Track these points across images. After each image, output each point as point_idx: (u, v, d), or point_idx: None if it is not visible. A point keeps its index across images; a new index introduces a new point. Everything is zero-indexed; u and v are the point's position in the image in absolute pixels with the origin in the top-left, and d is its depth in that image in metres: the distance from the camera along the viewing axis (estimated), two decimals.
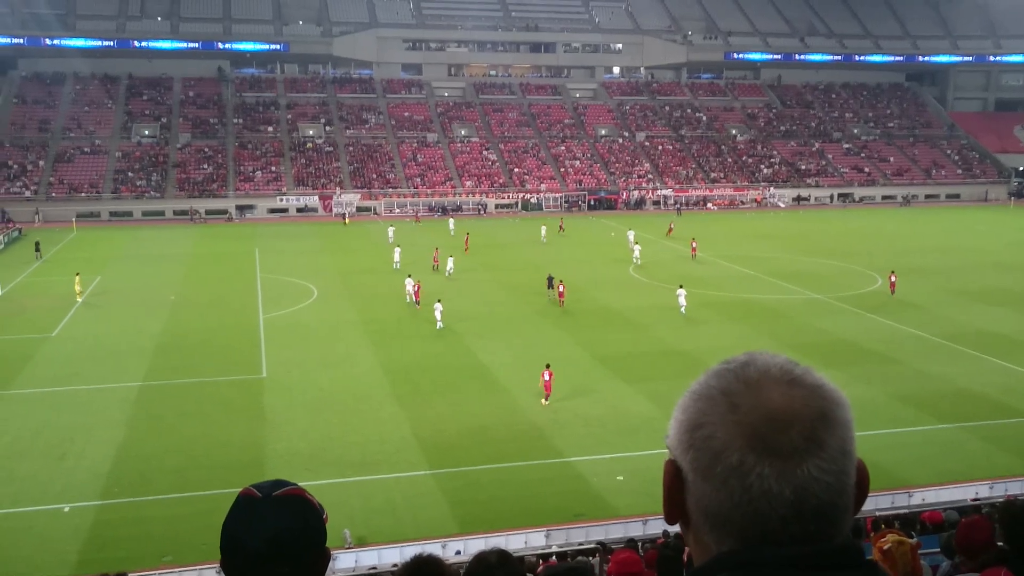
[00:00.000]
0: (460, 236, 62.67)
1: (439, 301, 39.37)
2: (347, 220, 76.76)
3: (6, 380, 31.83)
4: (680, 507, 1.57)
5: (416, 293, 42.98)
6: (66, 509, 21.86)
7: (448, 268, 50.77)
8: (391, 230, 64.96)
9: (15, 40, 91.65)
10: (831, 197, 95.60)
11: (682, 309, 41.28)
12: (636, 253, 55.48)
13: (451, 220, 71.66)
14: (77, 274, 45.85)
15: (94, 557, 19.37)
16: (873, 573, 1.51)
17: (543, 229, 66.86)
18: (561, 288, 43.53)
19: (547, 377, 29.17)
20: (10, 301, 45.01)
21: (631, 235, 61.02)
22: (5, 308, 43.48)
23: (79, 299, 44.23)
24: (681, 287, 42.41)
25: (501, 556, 3.68)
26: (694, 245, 58.39)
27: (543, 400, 29.20)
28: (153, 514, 21.82)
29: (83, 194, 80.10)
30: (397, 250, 54.29)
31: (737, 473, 1.46)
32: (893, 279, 46.07)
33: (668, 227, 68.75)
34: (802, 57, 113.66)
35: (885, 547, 4.71)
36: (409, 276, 45.24)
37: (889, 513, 17.92)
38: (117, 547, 20.11)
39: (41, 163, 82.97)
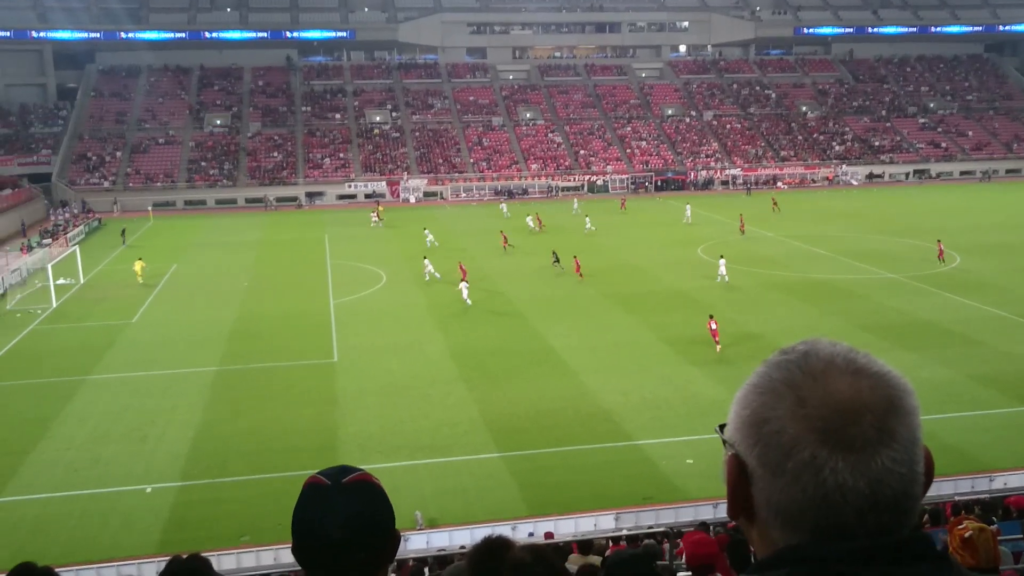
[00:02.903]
0: (512, 219, 65.37)
1: (464, 282, 41.04)
2: (380, 205, 76.53)
3: (90, 365, 32.96)
4: (745, 502, 1.54)
5: (463, 274, 43.00)
6: (148, 490, 22.58)
7: (531, 226, 60.00)
8: (374, 215, 67.82)
9: (92, 35, 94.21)
10: (906, 174, 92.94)
11: (723, 278, 42.99)
12: (588, 224, 60.22)
13: (504, 205, 72.79)
14: (139, 259, 48.11)
15: (175, 537, 19.98)
16: (944, 564, 1.47)
17: (575, 202, 72.73)
18: (577, 261, 45.37)
19: (714, 327, 32.43)
20: (93, 288, 46.53)
21: (688, 209, 64.85)
22: (89, 295, 45.00)
23: (140, 280, 46.54)
24: (722, 257, 44.21)
25: (535, 552, 3.43)
26: (742, 221, 59.00)
27: (717, 348, 32.10)
28: (230, 495, 22.41)
29: (159, 184, 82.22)
30: (428, 233, 56.41)
31: (810, 468, 1.43)
32: (941, 246, 47.73)
33: (772, 203, 69.52)
34: (875, 30, 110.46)
35: (966, 534, 4.61)
36: (425, 257, 47.16)
37: (969, 498, 17.45)
38: (197, 527, 20.73)
39: (118, 154, 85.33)
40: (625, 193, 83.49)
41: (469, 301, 40.17)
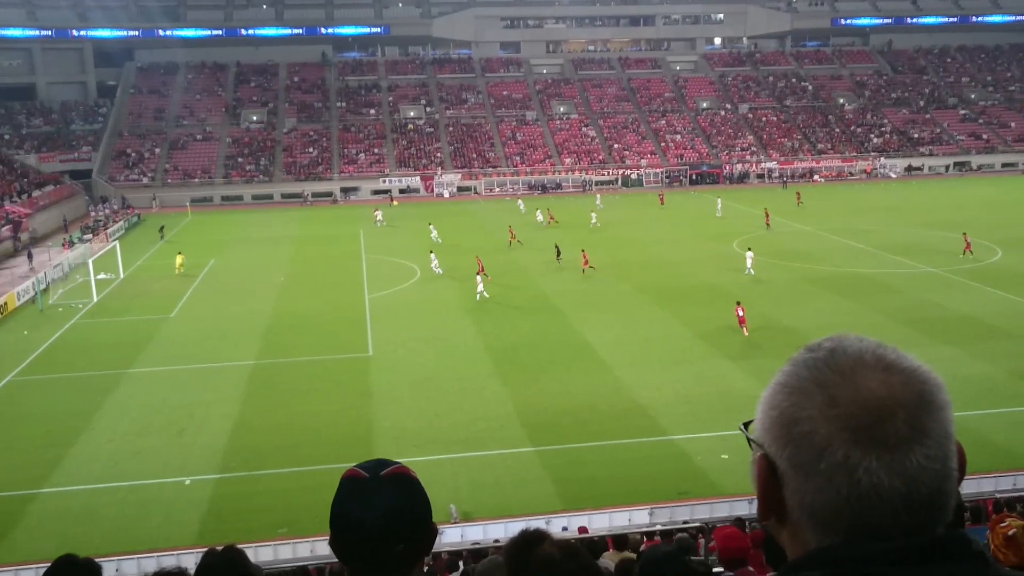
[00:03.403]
0: (529, 214, 65.37)
1: (478, 274, 41.60)
2: (394, 201, 77.06)
3: (129, 359, 33.43)
4: (777, 504, 1.51)
5: (480, 268, 43.05)
6: (187, 482, 22.88)
7: (539, 220, 60.94)
8: (378, 213, 66.59)
9: (130, 33, 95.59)
10: (946, 167, 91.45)
11: (749, 271, 43.38)
12: (593, 219, 60.32)
13: (520, 201, 72.98)
14: (179, 253, 49.83)
15: (213, 528, 20.23)
16: (980, 562, 1.43)
17: (597, 197, 72.37)
18: (585, 256, 45.60)
19: (741, 313, 33.36)
20: (133, 283, 47.18)
21: (719, 203, 65.17)
22: (128, 290, 45.63)
23: (177, 272, 48.09)
24: (749, 249, 44.88)
25: (566, 550, 3.26)
26: (767, 215, 58.81)
27: (745, 332, 33.16)
28: (267, 488, 22.63)
29: (196, 180, 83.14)
30: (432, 229, 56.74)
31: (844, 468, 1.41)
32: (967, 240, 47.32)
33: (796, 197, 69.10)
34: (914, 20, 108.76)
35: (1010, 532, 4.54)
36: (431, 252, 47.95)
37: (1011, 495, 17.17)
38: (235, 519, 20.97)
39: (157, 150, 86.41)
40: (661, 187, 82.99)
41: (486, 294, 40.51)
